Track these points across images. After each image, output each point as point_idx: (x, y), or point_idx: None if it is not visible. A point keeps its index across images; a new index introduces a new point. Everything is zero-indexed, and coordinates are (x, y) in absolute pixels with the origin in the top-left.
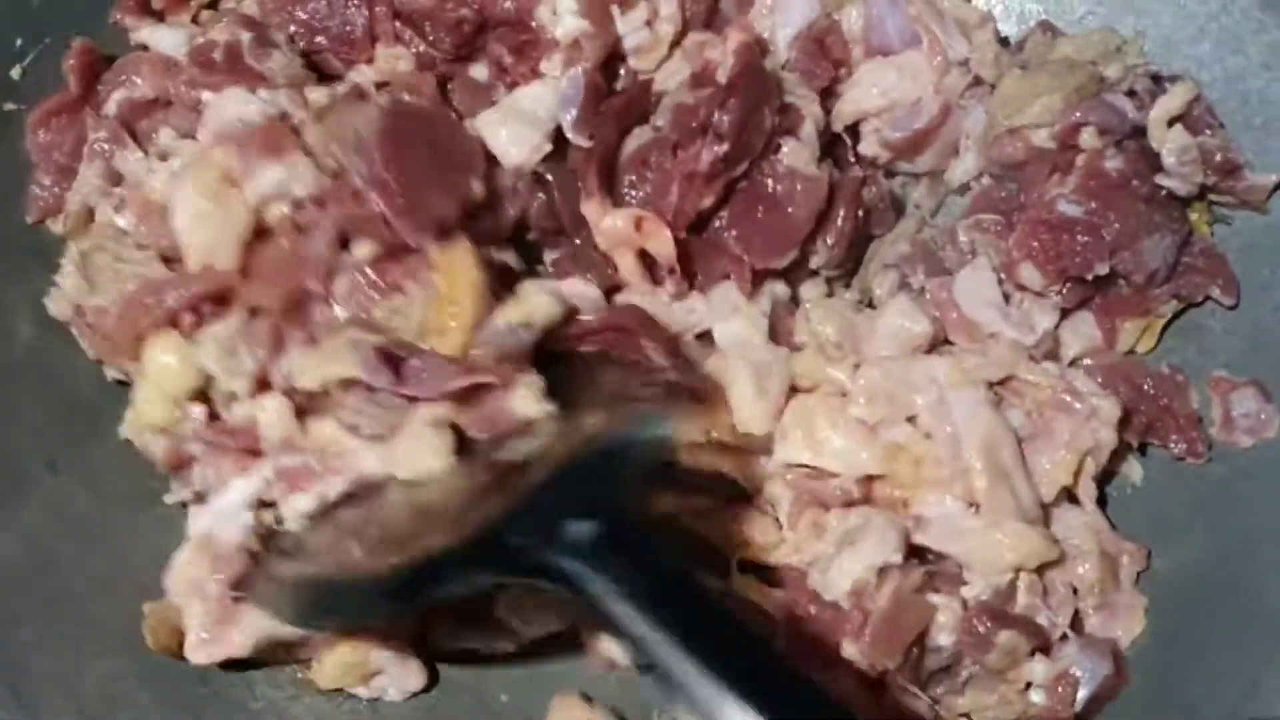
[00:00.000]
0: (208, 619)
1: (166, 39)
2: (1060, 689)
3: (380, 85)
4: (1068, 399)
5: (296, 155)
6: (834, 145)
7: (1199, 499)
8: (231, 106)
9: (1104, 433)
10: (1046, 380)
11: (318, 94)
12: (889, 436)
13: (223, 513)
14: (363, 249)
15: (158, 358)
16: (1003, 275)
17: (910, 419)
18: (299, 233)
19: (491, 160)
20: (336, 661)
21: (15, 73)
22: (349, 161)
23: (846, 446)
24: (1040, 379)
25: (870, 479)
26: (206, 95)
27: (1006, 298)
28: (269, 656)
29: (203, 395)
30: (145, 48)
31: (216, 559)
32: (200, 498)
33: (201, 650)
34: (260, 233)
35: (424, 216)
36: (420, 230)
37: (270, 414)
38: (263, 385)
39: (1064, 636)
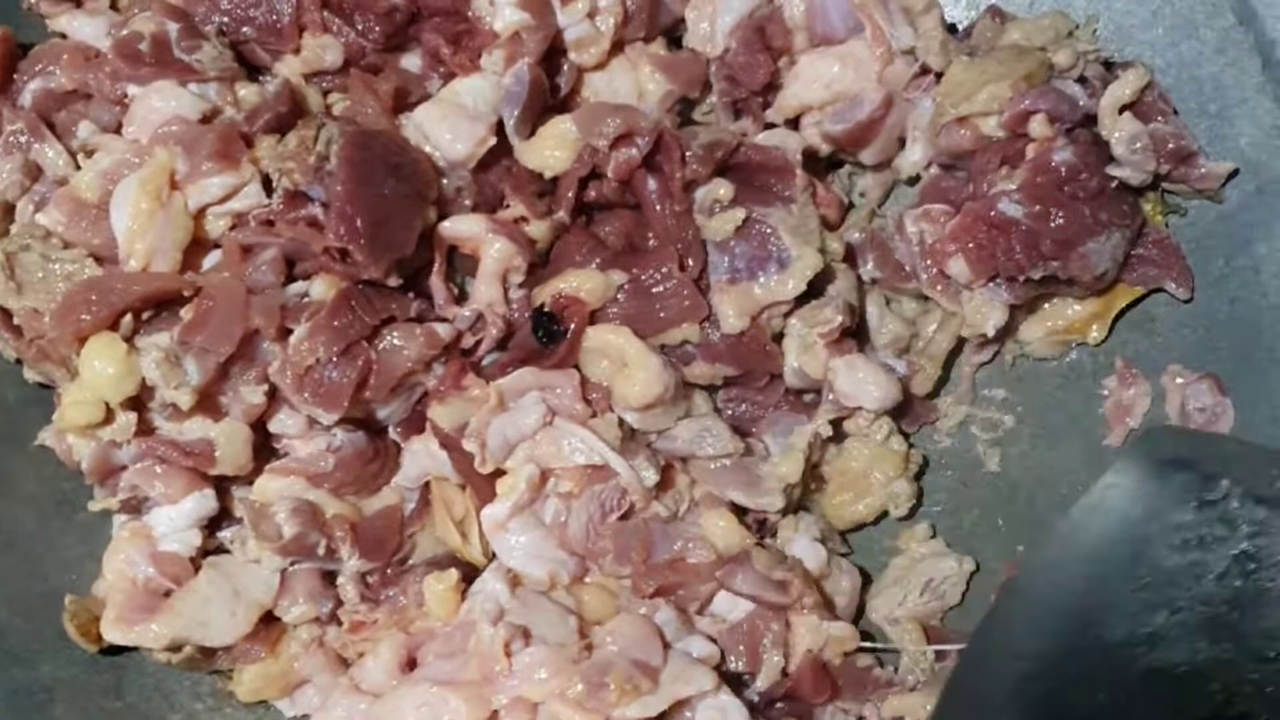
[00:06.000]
0: (131, 604)
1: (86, 27)
2: None
3: (310, 76)
4: None
5: (247, 168)
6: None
7: None
8: (161, 101)
9: None
10: None
11: (248, 91)
12: None
13: (169, 526)
14: (317, 288)
15: (94, 364)
16: (929, 262)
17: None
18: (245, 255)
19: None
20: (258, 672)
21: None
22: (311, 191)
23: None
24: None
25: None
26: (132, 89)
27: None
28: (188, 665)
29: (134, 402)
30: (63, 36)
31: (155, 554)
32: (128, 506)
33: (116, 629)
34: (199, 240)
35: (384, 253)
36: (379, 267)
37: (226, 440)
38: (205, 399)
39: None
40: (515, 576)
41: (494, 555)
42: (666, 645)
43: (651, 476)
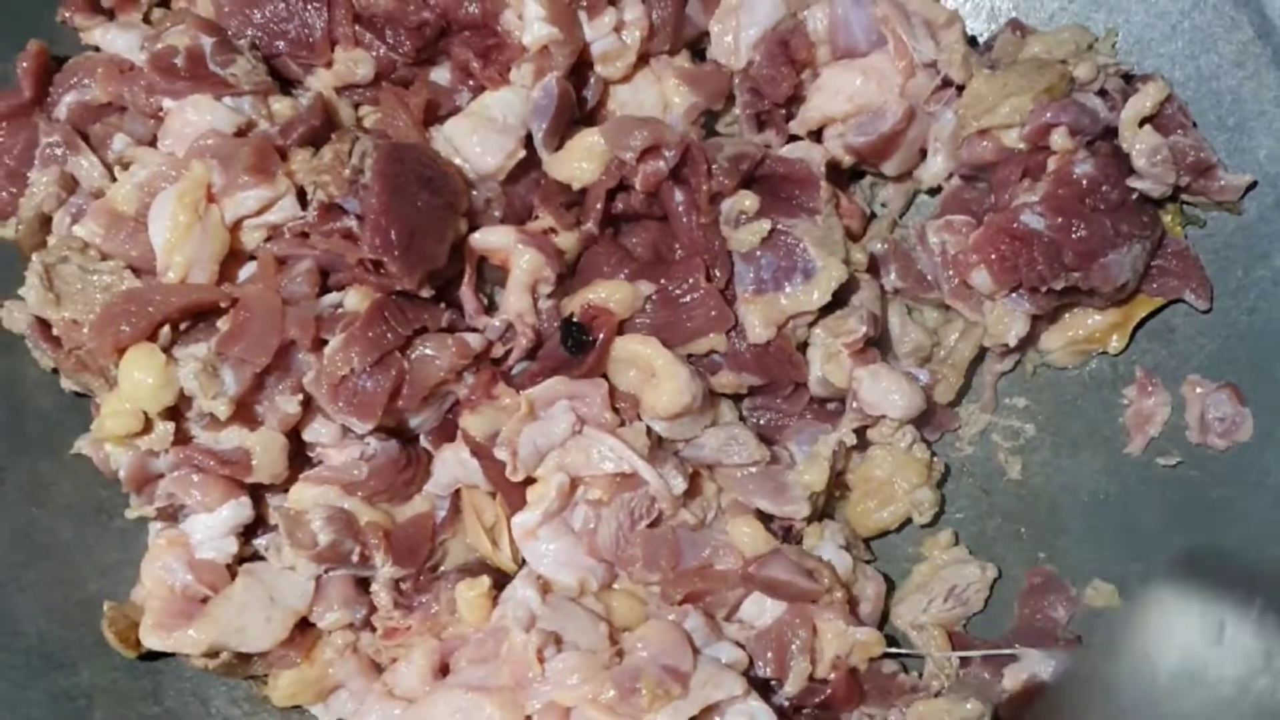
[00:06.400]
0: (169, 610)
1: (120, 40)
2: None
3: (342, 89)
4: None
5: (282, 181)
6: None
7: (1172, 505)
8: (196, 115)
9: None
10: None
11: (281, 104)
12: None
13: (206, 534)
14: (351, 299)
15: (134, 375)
16: (951, 272)
17: None
18: (280, 266)
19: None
20: (293, 678)
21: None
22: (346, 203)
23: None
24: None
25: None
26: (167, 102)
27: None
28: (224, 670)
29: (172, 412)
30: (96, 49)
31: (192, 562)
32: (164, 514)
33: (155, 635)
34: (235, 252)
35: (417, 264)
36: (413, 278)
37: (262, 448)
38: (241, 409)
39: None
40: (545, 583)
41: (524, 562)
42: (696, 651)
43: (680, 484)
